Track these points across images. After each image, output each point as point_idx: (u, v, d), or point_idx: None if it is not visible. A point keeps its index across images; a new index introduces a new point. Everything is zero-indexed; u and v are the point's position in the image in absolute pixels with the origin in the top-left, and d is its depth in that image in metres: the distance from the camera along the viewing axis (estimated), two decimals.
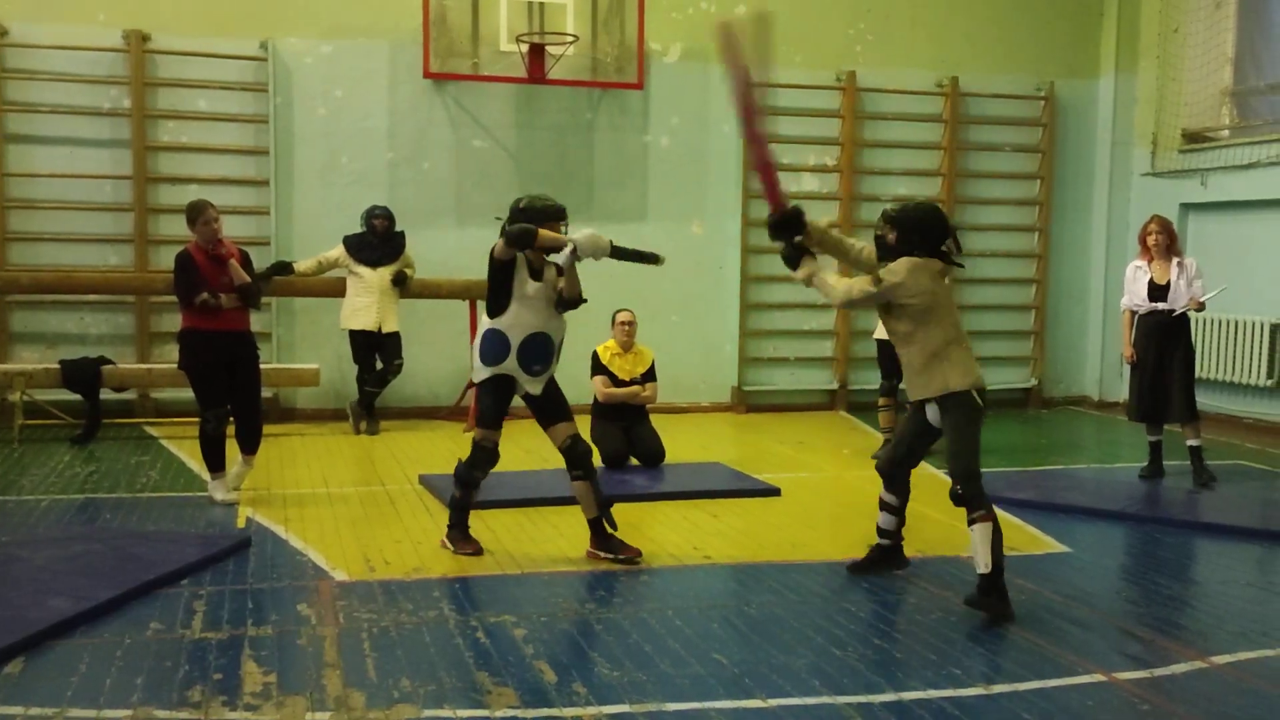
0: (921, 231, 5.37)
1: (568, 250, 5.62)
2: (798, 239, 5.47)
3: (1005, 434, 10.57)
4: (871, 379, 11.46)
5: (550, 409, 6.00)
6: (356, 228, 9.82)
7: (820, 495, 7.75)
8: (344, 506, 7.11)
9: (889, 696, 4.23)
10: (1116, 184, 12.07)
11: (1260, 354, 10.44)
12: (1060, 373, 12.36)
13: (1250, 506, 7.67)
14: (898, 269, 5.30)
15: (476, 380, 5.98)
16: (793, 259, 5.49)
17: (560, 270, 5.83)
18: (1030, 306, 12.19)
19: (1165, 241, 8.18)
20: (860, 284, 5.38)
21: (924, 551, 6.23)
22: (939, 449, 5.80)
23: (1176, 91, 11.45)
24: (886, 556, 5.80)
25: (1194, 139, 11.39)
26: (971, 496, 5.18)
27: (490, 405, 5.95)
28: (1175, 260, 8.14)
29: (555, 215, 5.82)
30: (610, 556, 5.92)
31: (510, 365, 5.86)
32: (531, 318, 5.84)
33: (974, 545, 5.16)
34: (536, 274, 5.87)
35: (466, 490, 6.05)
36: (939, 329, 5.30)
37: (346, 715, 3.99)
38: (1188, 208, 11.10)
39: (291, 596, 5.31)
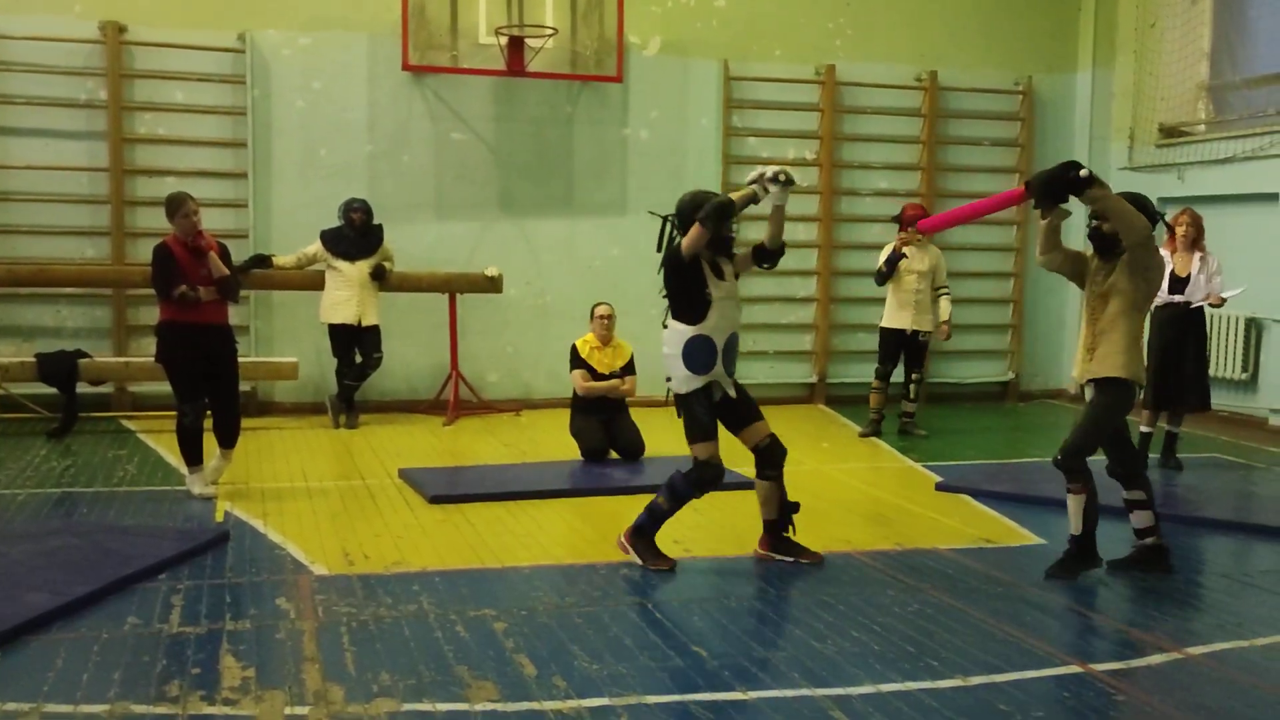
0: (1140, 213, 5.41)
1: (777, 188, 5.52)
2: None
3: (983, 426, 10.62)
4: (850, 372, 11.57)
5: (745, 410, 5.76)
6: (335, 220, 9.78)
7: (799, 489, 7.70)
8: (323, 500, 7.09)
9: (867, 689, 4.24)
10: None
11: (1235, 348, 10.52)
12: (1038, 366, 12.42)
13: (1226, 499, 7.74)
14: (1156, 258, 5.52)
15: (685, 391, 5.60)
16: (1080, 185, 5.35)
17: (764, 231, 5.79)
18: (1008, 300, 12.24)
19: (1193, 235, 8.35)
20: (1140, 220, 5.32)
21: (902, 544, 6.26)
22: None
23: (1153, 86, 11.52)
24: (1154, 556, 5.82)
25: (1171, 133, 11.46)
26: (1073, 469, 5.51)
27: (705, 415, 5.62)
28: (1198, 254, 8.25)
29: (729, 212, 5.55)
30: (790, 560, 5.83)
31: (718, 370, 5.62)
32: (729, 318, 5.65)
33: (1069, 511, 5.63)
34: (719, 272, 5.65)
35: (676, 505, 5.74)
36: (1140, 318, 5.57)
37: (325, 709, 3.98)
38: (1165, 201, 11.13)
39: (270, 591, 5.29)
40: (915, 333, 9.50)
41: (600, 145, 11.03)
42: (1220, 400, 10.67)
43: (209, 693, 4.10)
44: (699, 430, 5.61)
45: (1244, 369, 10.47)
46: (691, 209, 5.57)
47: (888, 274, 9.47)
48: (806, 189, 11.47)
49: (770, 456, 5.78)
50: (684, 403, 5.62)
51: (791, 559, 5.83)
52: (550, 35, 10.16)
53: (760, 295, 11.42)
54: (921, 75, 11.70)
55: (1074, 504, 5.59)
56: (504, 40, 10.14)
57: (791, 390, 11.69)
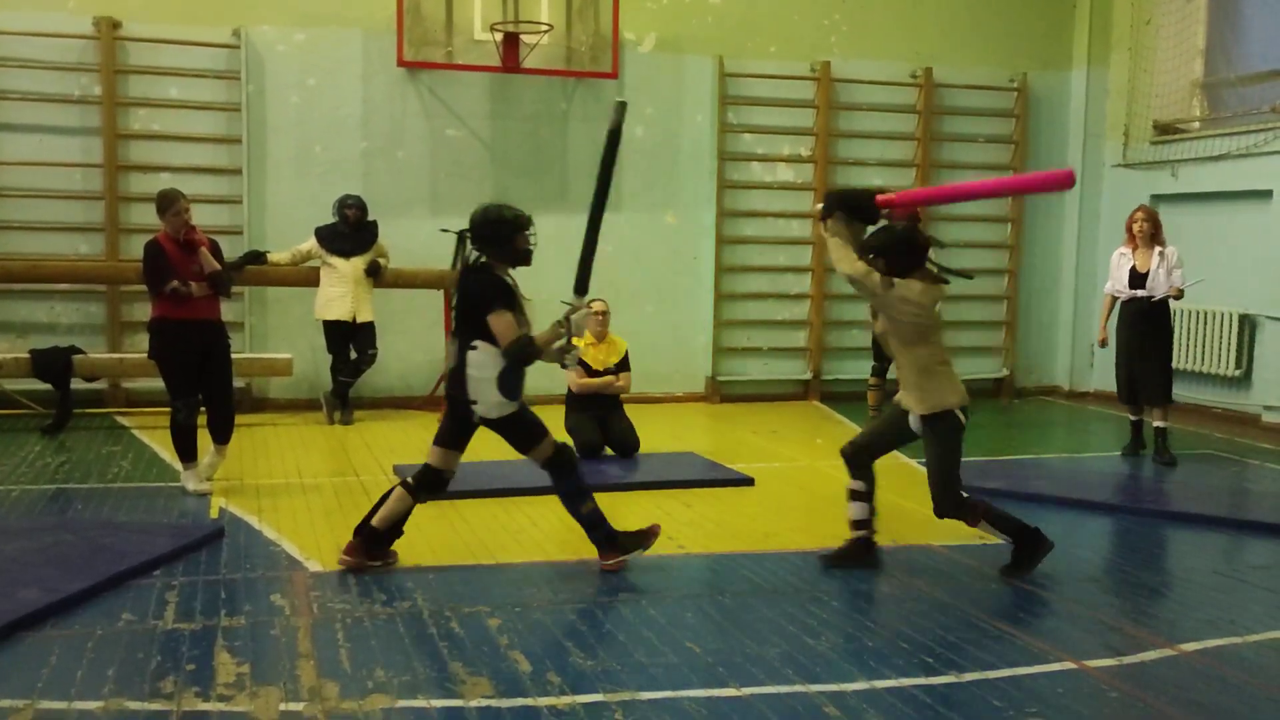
0: (909, 253, 5.46)
1: (568, 346, 5.70)
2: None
3: (977, 423, 10.61)
4: (844, 369, 11.58)
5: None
6: (330, 217, 9.77)
7: (794, 485, 7.77)
8: (318, 497, 7.09)
9: (862, 685, 4.25)
10: (1088, 175, 12.14)
11: (1229, 344, 10.54)
12: (1032, 363, 12.44)
13: (1219, 495, 7.76)
14: (914, 287, 5.40)
15: (496, 416, 5.51)
16: (869, 209, 5.53)
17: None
18: (1002, 297, 12.26)
19: (1150, 230, 8.48)
20: (874, 276, 5.40)
21: (896, 540, 6.27)
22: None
23: (1148, 83, 11.53)
24: (862, 549, 5.79)
25: (1165, 131, 11.48)
26: (959, 509, 5.50)
27: (533, 419, 5.64)
28: (1157, 249, 8.36)
29: (524, 225, 5.62)
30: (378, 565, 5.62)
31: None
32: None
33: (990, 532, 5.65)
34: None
35: (588, 497, 5.73)
36: (930, 348, 5.48)
37: (320, 706, 3.99)
38: (1159, 199, 11.17)
39: (265, 587, 5.29)
40: None
41: (595, 142, 10.91)
42: (1214, 397, 10.72)
43: (204, 689, 4.10)
44: (538, 431, 5.54)
45: (1237, 366, 10.49)
46: (483, 223, 5.51)
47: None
48: (801, 185, 11.48)
49: (443, 483, 5.67)
50: (506, 420, 5.50)
51: (379, 563, 5.58)
52: (545, 32, 10.16)
53: (755, 292, 11.43)
54: (917, 72, 11.70)
55: (985, 528, 5.72)
56: (499, 37, 10.13)
57: (786, 387, 11.71)
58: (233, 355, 7.31)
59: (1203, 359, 10.71)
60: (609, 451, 8.35)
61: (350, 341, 9.78)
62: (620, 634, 4.75)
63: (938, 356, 5.50)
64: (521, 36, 10.19)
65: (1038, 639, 4.81)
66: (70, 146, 9.89)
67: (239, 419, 7.53)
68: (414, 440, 9.01)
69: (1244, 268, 10.31)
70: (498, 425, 5.53)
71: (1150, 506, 7.22)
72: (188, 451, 7.03)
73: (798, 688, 4.23)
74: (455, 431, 5.61)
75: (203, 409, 7.08)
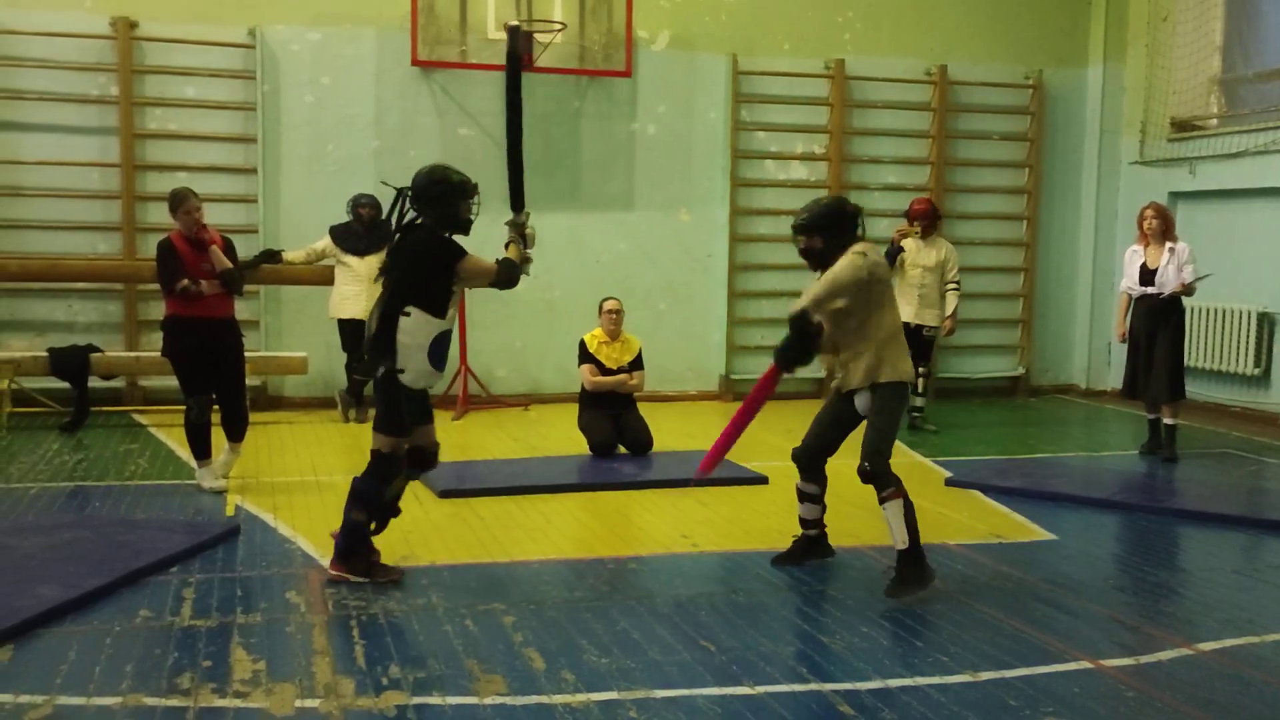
0: (843, 222, 5.36)
1: (528, 257, 5.65)
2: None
3: (993, 422, 10.60)
4: None
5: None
6: (343, 216, 9.79)
7: None
8: (333, 495, 7.09)
9: (876, 684, 4.25)
10: (1105, 172, 12.09)
11: (1248, 342, 10.48)
12: (1048, 361, 12.39)
13: (1237, 494, 7.72)
14: (862, 248, 5.29)
15: (414, 386, 5.28)
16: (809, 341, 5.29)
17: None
18: (1018, 295, 12.21)
19: (1160, 227, 8.48)
20: (843, 262, 5.23)
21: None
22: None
23: (1165, 80, 11.48)
24: (812, 546, 5.77)
25: (1183, 127, 11.42)
26: (880, 474, 5.25)
27: (410, 413, 5.37)
28: (1168, 246, 8.36)
29: (469, 192, 5.37)
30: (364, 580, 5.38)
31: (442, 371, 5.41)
32: (453, 315, 5.42)
33: (889, 525, 5.24)
34: None
35: (376, 508, 5.44)
36: (890, 318, 5.37)
37: (336, 702, 4.00)
38: (1176, 196, 11.12)
39: (280, 584, 5.31)
40: (920, 327, 9.42)
41: (608, 140, 11.03)
42: (1232, 395, 10.67)
43: (220, 685, 4.11)
44: (399, 424, 5.27)
45: (1256, 364, 10.43)
46: (428, 184, 5.28)
47: (889, 267, 9.46)
48: (815, 183, 11.45)
49: (423, 459, 5.53)
50: (393, 391, 5.21)
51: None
52: (559, 30, 10.16)
53: (767, 290, 11.40)
54: (931, 69, 11.67)
55: (892, 511, 5.22)
56: None
57: (801, 385, 11.65)
58: (248, 354, 7.34)
59: (1220, 357, 10.65)
60: (623, 450, 8.35)
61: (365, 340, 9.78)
62: (635, 632, 4.75)
63: (895, 328, 5.38)
64: (535, 35, 10.19)
65: (1054, 638, 4.79)
66: (88, 146, 9.93)
67: (254, 417, 7.55)
68: None
69: (1262, 265, 10.25)
70: (383, 395, 5.24)
71: (1168, 505, 7.17)
72: (202, 449, 7.06)
73: (812, 686, 4.22)
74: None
75: (217, 407, 7.11)
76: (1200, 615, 5.19)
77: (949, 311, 9.62)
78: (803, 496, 5.70)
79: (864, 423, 5.42)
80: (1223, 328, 10.64)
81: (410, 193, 5.33)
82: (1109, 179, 12.08)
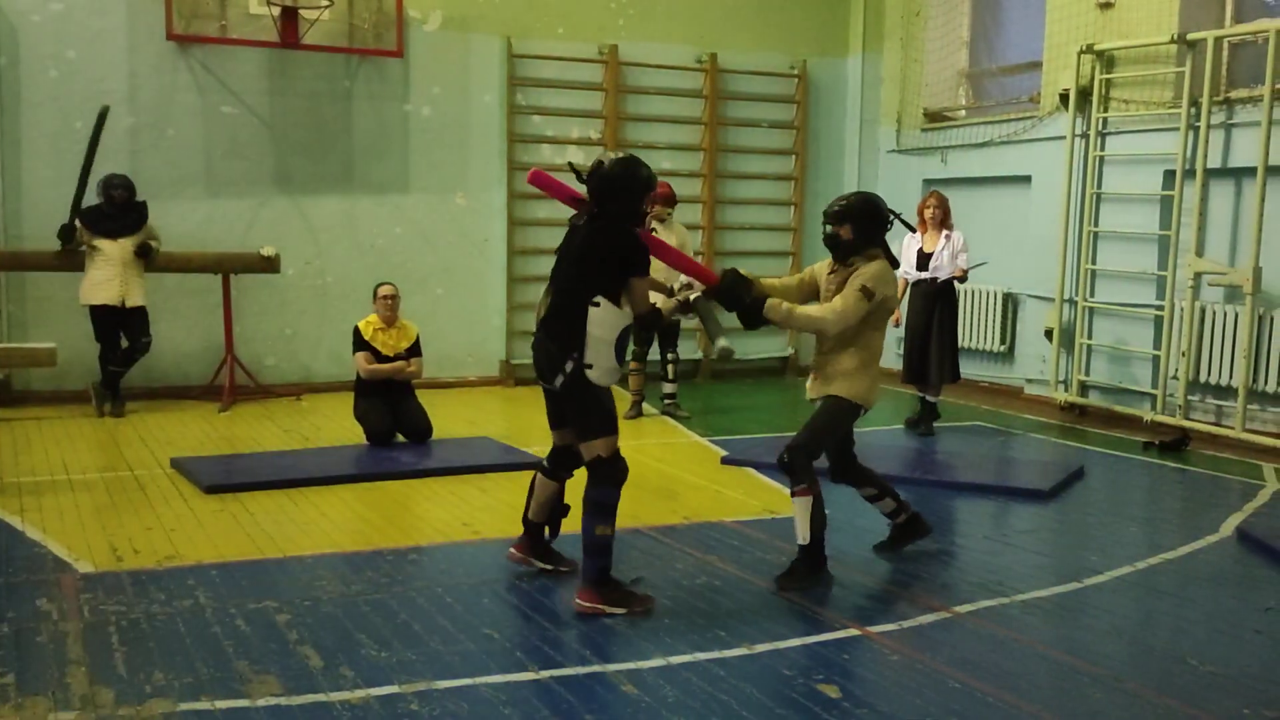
0: (875, 221, 5.29)
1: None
2: (749, 298, 5.16)
3: (764, 402, 10.93)
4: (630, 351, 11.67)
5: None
6: (94, 198, 9.22)
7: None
8: (87, 494, 6.70)
9: (658, 662, 4.31)
10: (865, 160, 12.63)
11: (994, 321, 11.17)
12: (812, 340, 12.81)
13: (987, 464, 8.21)
14: (881, 274, 5.20)
15: (603, 384, 4.87)
16: (755, 315, 5.17)
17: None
18: None
19: (939, 215, 9.00)
20: (849, 301, 5.13)
21: (689, 518, 6.39)
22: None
23: (918, 73, 12.07)
24: (907, 530, 5.83)
25: (934, 118, 12.04)
26: (798, 468, 5.23)
27: (612, 408, 4.98)
28: (944, 233, 8.81)
29: (653, 185, 5.04)
30: (549, 568, 5.35)
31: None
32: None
33: (796, 518, 5.27)
34: None
35: (612, 517, 4.96)
36: (874, 339, 5.33)
37: (94, 713, 3.77)
38: (930, 183, 11.71)
39: (29, 592, 4.97)
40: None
41: (380, 121, 10.77)
42: (981, 371, 11.34)
43: None
44: (610, 420, 4.93)
45: (1002, 341, 11.13)
46: (608, 179, 4.92)
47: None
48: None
49: (575, 458, 5.15)
50: (587, 388, 4.85)
51: (551, 567, 5.36)
52: (325, 7, 9.83)
53: (546, 275, 11.35)
54: (702, 57, 11.89)
55: (800, 506, 5.22)
56: (276, 11, 9.75)
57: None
58: None
59: (970, 335, 11.30)
60: (401, 438, 8.19)
61: (120, 328, 9.28)
62: (416, 624, 4.67)
63: (875, 349, 5.33)
64: (300, 11, 9.83)
65: (825, 608, 4.98)
66: None
67: None
68: (192, 432, 8.62)
69: (1008, 249, 10.92)
70: (577, 398, 4.86)
71: (927, 477, 7.58)
72: None
73: (596, 668, 4.25)
74: (554, 408, 5.10)
75: None
76: (957, 580, 5.50)
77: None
78: (869, 500, 5.75)
79: (861, 415, 5.39)
80: (973, 307, 11.30)
81: (600, 184, 4.93)
82: (869, 167, 12.63)
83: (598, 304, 4.82)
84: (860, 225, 5.29)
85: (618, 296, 4.85)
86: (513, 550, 5.38)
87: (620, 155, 5.03)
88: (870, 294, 5.15)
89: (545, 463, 5.35)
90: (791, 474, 5.25)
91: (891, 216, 5.39)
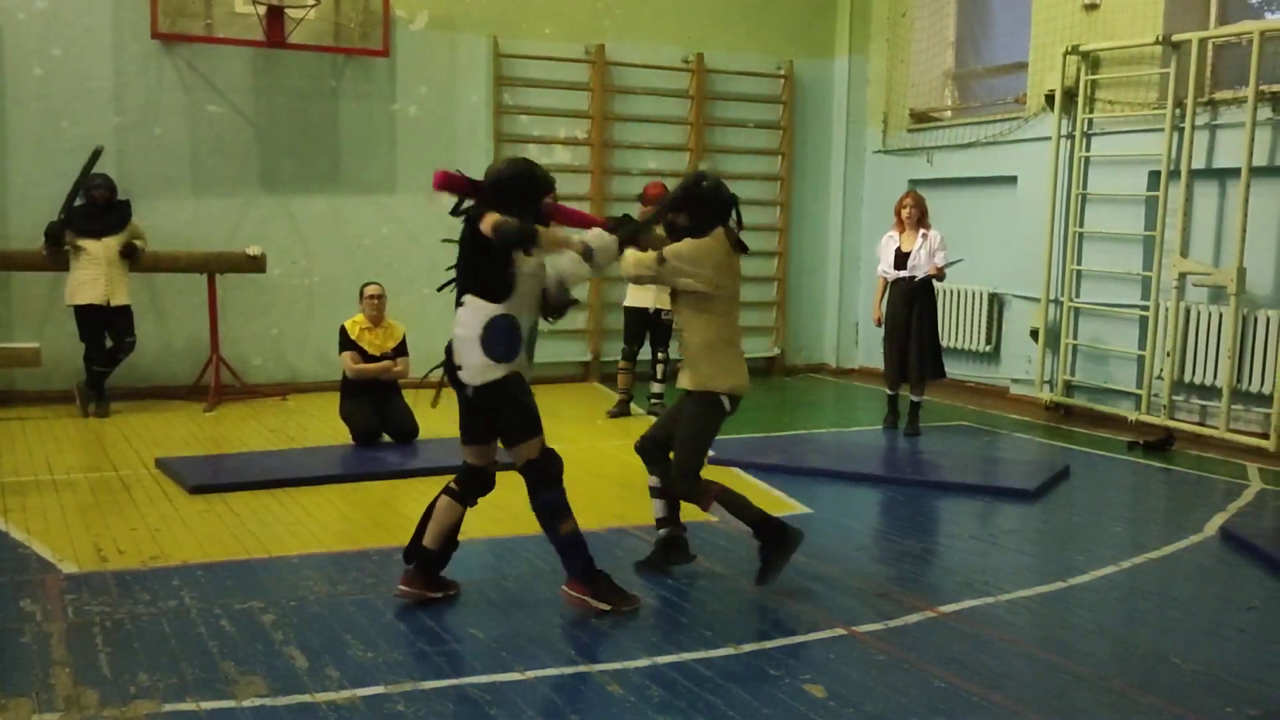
0: (708, 207, 5.17)
1: (580, 260, 4.77)
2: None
3: (753, 403, 10.91)
4: (621, 350, 11.67)
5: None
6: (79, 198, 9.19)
7: (575, 466, 7.70)
8: (71, 494, 6.67)
9: (644, 662, 4.31)
10: (851, 161, 12.66)
11: (980, 321, 11.21)
12: (801, 341, 12.88)
13: (972, 464, 8.23)
14: (683, 251, 5.08)
15: (482, 382, 4.70)
16: (629, 239, 4.99)
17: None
18: (773, 278, 12.62)
19: (916, 215, 8.99)
20: (645, 259, 5.07)
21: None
22: None
23: (904, 73, 12.10)
24: (669, 551, 5.46)
25: (921, 119, 12.07)
26: (693, 491, 5.16)
27: (533, 406, 4.80)
28: (922, 232, 8.82)
29: (549, 186, 4.90)
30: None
31: (522, 360, 4.79)
32: (533, 299, 4.82)
33: (726, 519, 5.24)
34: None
35: (569, 516, 4.86)
36: (715, 323, 5.17)
37: (78, 714, 3.75)
38: (915, 184, 11.73)
39: (13, 592, 4.94)
40: (658, 311, 9.37)
41: (367, 121, 10.75)
42: (966, 371, 11.37)
43: None
44: (535, 423, 4.79)
45: (988, 341, 11.16)
46: (510, 181, 4.90)
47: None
48: (578, 168, 11.50)
49: (488, 483, 5.06)
50: (504, 397, 4.72)
51: (441, 595, 4.95)
52: (312, 6, 9.81)
53: None
54: (689, 57, 11.90)
55: (718, 512, 5.20)
56: (262, 10, 9.72)
57: (567, 369, 11.74)
58: None
59: (956, 335, 11.33)
60: (387, 438, 8.18)
61: (105, 328, 9.24)
62: (402, 623, 4.67)
63: (722, 333, 5.16)
64: (286, 10, 9.81)
65: (811, 608, 4.99)
66: None
67: None
68: (177, 432, 8.60)
69: (994, 249, 10.95)
70: (482, 403, 4.73)
71: (913, 477, 7.60)
72: None
73: (581, 668, 4.25)
74: (466, 418, 4.88)
75: None
76: (942, 580, 5.52)
77: None
78: (653, 493, 5.46)
79: (726, 410, 5.23)
80: (958, 307, 11.33)
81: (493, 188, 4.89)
82: (855, 167, 12.65)
83: (463, 304, 4.79)
84: (695, 213, 5.16)
85: (486, 288, 4.73)
86: (402, 586, 4.89)
87: (511, 158, 5.04)
88: (662, 260, 5.03)
89: (454, 485, 4.99)
90: (691, 499, 5.21)
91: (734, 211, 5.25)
